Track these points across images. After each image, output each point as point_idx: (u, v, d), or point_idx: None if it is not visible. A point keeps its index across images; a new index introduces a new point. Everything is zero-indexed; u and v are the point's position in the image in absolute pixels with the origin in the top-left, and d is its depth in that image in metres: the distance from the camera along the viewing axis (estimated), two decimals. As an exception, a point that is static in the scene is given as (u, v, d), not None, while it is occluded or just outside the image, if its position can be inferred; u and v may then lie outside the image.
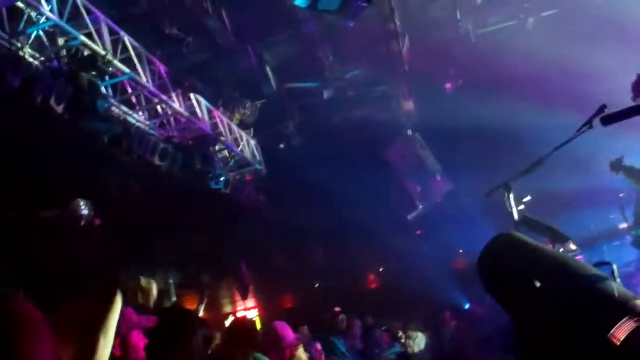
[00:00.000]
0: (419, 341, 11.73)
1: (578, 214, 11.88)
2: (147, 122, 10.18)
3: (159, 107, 10.38)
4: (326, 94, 13.30)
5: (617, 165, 5.93)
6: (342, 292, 13.72)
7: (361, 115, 13.74)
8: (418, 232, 15.79)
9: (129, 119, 9.71)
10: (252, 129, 12.95)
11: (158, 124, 10.50)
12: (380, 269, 16.62)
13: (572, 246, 5.49)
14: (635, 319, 3.44)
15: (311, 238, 14.57)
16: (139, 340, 4.67)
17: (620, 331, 3.38)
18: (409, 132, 14.39)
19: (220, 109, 11.75)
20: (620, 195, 10.41)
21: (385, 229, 14.08)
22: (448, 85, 13.65)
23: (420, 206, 15.22)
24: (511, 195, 5.30)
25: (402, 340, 11.32)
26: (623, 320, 3.42)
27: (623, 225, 10.22)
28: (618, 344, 3.33)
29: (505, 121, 11.97)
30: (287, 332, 5.68)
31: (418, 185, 14.82)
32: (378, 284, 16.53)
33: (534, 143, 6.74)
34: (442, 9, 12.14)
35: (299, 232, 14.11)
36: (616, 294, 3.62)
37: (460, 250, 14.95)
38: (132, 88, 9.68)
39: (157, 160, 9.99)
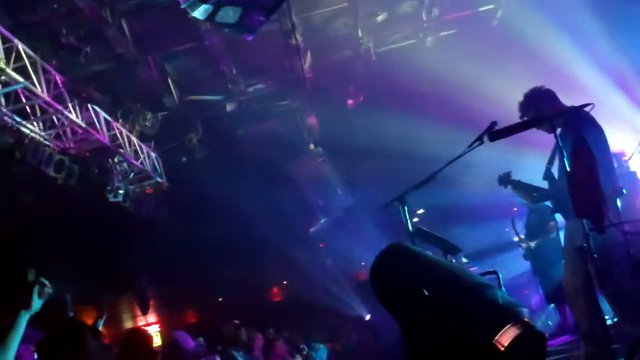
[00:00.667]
0: (321, 353, 11.83)
1: (474, 227, 12.31)
2: (43, 133, 9.88)
3: (54, 118, 10.09)
4: (229, 108, 13.27)
5: (505, 180, 6.17)
6: (246, 305, 13.68)
7: (265, 130, 13.78)
8: (321, 245, 15.93)
9: (23, 129, 9.39)
10: (153, 142, 12.77)
11: (54, 135, 10.21)
12: (284, 282, 16.65)
13: (463, 259, 5.72)
14: (519, 325, 3.60)
15: (214, 252, 14.43)
16: (27, 355, 4.55)
17: (505, 337, 3.53)
18: (312, 146, 14.53)
19: (120, 120, 11.52)
20: (515, 209, 10.85)
21: (288, 242, 14.15)
22: (349, 102, 13.86)
23: (323, 220, 15.39)
24: (406, 208, 5.44)
25: (304, 352, 11.39)
26: (507, 326, 3.58)
27: (516, 238, 10.65)
28: (502, 349, 3.48)
29: (404, 137, 12.28)
30: (187, 342, 5.66)
31: (320, 199, 14.98)
32: (282, 297, 16.56)
33: (432, 158, 6.96)
34: (344, 27, 12.33)
35: (202, 246, 13.96)
36: (501, 302, 3.78)
37: (362, 263, 15.18)
38: (27, 98, 9.38)
39: (52, 172, 9.69)
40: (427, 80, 11.98)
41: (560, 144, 4.90)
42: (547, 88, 5.81)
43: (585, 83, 10.01)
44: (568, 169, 4.39)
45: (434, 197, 9.09)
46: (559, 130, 5.07)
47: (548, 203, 7.49)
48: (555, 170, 5.66)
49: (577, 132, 4.78)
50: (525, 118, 5.74)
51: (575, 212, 4.19)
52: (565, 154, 4.46)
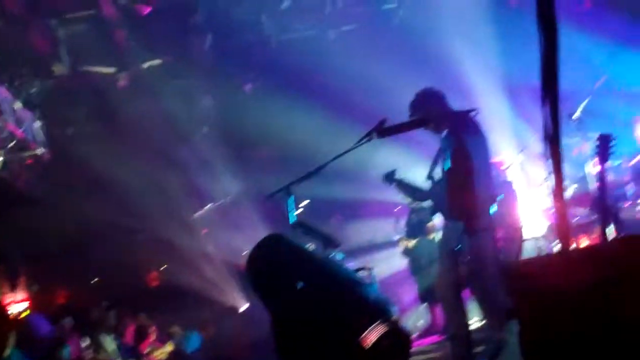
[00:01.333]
0: (193, 340, 11.65)
1: (359, 222, 12.44)
2: None
3: None
4: (122, 82, 12.82)
5: (389, 178, 6.20)
6: (121, 288, 13.23)
7: (157, 108, 13.33)
8: (203, 231, 15.63)
9: None
10: (38, 110, 12.19)
11: None
12: (163, 267, 16.23)
13: (339, 255, 5.70)
14: (386, 323, 3.61)
15: (93, 231, 13.93)
16: None
17: (371, 334, 3.53)
18: (205, 129, 14.25)
19: (5, 84, 10.96)
20: (397, 208, 11.04)
21: (170, 226, 13.82)
22: (247, 87, 13.69)
23: (208, 205, 15.16)
24: (291, 199, 5.37)
25: (176, 339, 11.20)
26: (375, 324, 3.58)
27: (396, 236, 10.84)
28: (368, 346, 3.48)
29: (299, 128, 12.25)
30: (42, 325, 5.45)
31: (207, 185, 14.73)
32: (159, 281, 16.15)
33: (324, 151, 6.95)
34: (248, 11, 12.14)
35: (80, 223, 13.43)
36: (370, 299, 3.78)
37: (244, 253, 15.03)
38: None
39: None
40: (326, 73, 11.97)
41: (443, 146, 4.96)
42: (437, 89, 5.88)
43: (475, 88, 10.27)
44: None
45: (322, 189, 9.10)
46: (444, 133, 5.14)
47: (428, 203, 7.62)
48: (437, 172, 5.74)
49: (459, 136, 4.84)
50: (414, 117, 5.79)
51: (450, 214, 4.25)
52: (447, 156, 4.51)
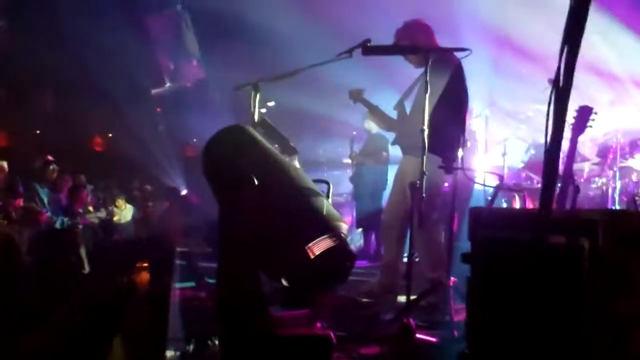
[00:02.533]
0: (126, 212, 11.58)
1: (312, 136, 12.41)
2: None
3: None
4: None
5: (355, 96, 6.06)
6: (64, 146, 12.92)
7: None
8: (158, 109, 15.33)
9: None
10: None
11: None
12: (109, 134, 15.88)
13: (296, 163, 5.67)
14: (334, 238, 3.63)
15: (43, 80, 13.45)
16: None
17: (318, 246, 3.55)
18: (179, 7, 13.77)
19: None
20: (354, 132, 11.03)
21: (125, 95, 13.46)
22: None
23: (168, 85, 14.81)
24: (258, 96, 5.28)
25: (109, 207, 11.11)
26: (323, 236, 3.60)
27: (347, 160, 10.86)
28: (312, 257, 3.50)
29: (274, 26, 11.91)
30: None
31: (171, 64, 14.36)
32: (104, 148, 15.85)
33: (298, 56, 6.83)
34: None
35: (30, 70, 12.91)
36: (325, 211, 3.79)
37: (194, 140, 14.88)
38: None
39: None
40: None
41: (422, 81, 4.86)
42: (427, 23, 5.77)
43: (460, 31, 10.05)
44: (428, 104, 4.36)
45: (288, 95, 8.96)
46: (426, 67, 5.02)
47: (386, 134, 7.62)
48: (408, 104, 5.70)
49: (455, 70, 4.73)
50: (400, 44, 5.68)
51: (431, 147, 4.20)
52: (429, 90, 4.42)
